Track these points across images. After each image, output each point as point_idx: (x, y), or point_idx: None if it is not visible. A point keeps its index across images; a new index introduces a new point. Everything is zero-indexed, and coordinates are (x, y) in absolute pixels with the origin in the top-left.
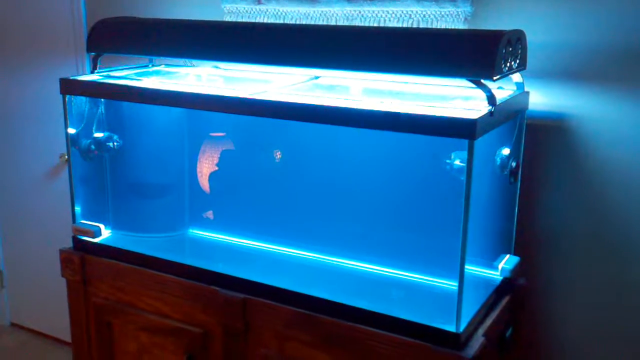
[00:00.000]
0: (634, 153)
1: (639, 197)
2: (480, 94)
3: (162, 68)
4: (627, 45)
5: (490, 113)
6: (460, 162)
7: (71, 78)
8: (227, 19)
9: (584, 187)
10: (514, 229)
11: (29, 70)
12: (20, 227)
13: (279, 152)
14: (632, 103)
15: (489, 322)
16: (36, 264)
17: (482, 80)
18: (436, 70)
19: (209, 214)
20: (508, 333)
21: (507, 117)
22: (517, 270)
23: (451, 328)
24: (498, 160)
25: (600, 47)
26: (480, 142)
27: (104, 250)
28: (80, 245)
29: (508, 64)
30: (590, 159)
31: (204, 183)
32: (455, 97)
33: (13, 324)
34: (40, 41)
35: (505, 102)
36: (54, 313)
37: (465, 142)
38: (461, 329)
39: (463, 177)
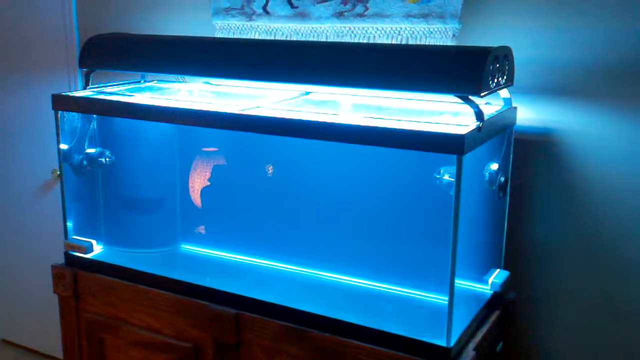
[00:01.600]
0: (620, 167)
1: (627, 210)
2: (469, 110)
3: (154, 84)
4: (612, 61)
5: (478, 128)
6: (449, 177)
7: (63, 94)
8: (219, 35)
9: (572, 201)
10: (504, 243)
11: (21, 86)
12: (11, 243)
13: (271, 167)
14: (618, 118)
15: (479, 336)
16: (27, 279)
17: (470, 96)
18: (424, 86)
19: (201, 229)
20: (498, 347)
21: (495, 133)
22: (507, 285)
23: (441, 342)
24: (487, 175)
25: (586, 63)
26: (468, 157)
27: (95, 266)
28: (72, 261)
29: (495, 80)
30: (578, 173)
31: (196, 198)
32: (444, 113)
33: (4, 341)
34: (33, 57)
35: (493, 117)
36: (45, 329)
37: (454, 157)
38: (452, 343)
39: (452, 192)
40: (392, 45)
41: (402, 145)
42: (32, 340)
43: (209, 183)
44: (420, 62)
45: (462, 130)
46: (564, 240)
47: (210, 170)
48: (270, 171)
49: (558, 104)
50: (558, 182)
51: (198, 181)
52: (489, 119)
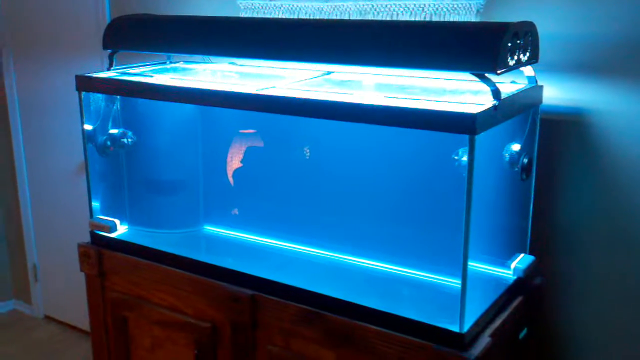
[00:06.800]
0: None
1: None
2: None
3: (179, 65)
4: None
5: (494, 108)
6: (467, 158)
7: (86, 75)
8: (243, 15)
9: (602, 184)
10: (529, 227)
11: (58, 68)
12: (53, 222)
13: (307, 150)
14: None
15: (498, 322)
16: (69, 257)
17: (487, 74)
18: (440, 63)
19: (235, 211)
20: (522, 334)
21: (516, 112)
22: (532, 270)
23: (455, 328)
24: (507, 156)
25: (619, 39)
26: (484, 138)
27: (119, 245)
28: (97, 240)
29: (516, 57)
30: (609, 155)
31: (230, 180)
32: (465, 92)
33: (47, 317)
34: (68, 39)
35: (513, 96)
36: (86, 306)
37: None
38: (465, 329)
39: (465, 174)
40: (408, 22)
41: (414, 125)
42: (74, 317)
43: (240, 165)
44: (436, 39)
45: (475, 109)
46: (594, 224)
47: (242, 153)
48: (307, 153)
49: (588, 82)
50: (588, 164)
51: (231, 163)
52: (507, 97)
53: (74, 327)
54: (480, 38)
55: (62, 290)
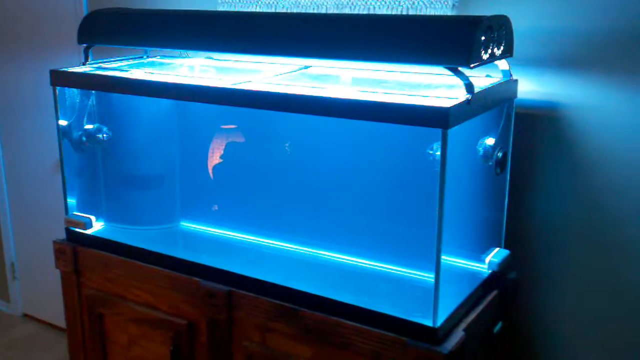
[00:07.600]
0: (629, 142)
1: (634, 188)
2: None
3: (156, 59)
4: (622, 30)
5: (467, 102)
6: (440, 152)
7: (61, 70)
8: (221, 8)
9: (578, 178)
10: (504, 221)
11: (37, 63)
12: (31, 219)
13: (288, 145)
14: (627, 91)
15: (472, 316)
16: (47, 255)
17: (460, 68)
18: (414, 57)
19: (204, 207)
20: (496, 328)
21: (490, 106)
22: (507, 264)
23: (428, 322)
24: (481, 150)
25: (595, 33)
26: (457, 132)
27: (94, 241)
28: (73, 237)
29: (489, 51)
30: (584, 149)
31: (211, 174)
32: (440, 86)
33: (25, 315)
34: (46, 34)
35: (486, 90)
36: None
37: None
38: (438, 323)
39: (437, 168)
40: (381, 16)
41: (386, 119)
42: (53, 315)
43: (220, 160)
44: (409, 33)
45: (448, 103)
46: (568, 218)
47: (221, 149)
48: (288, 149)
49: (564, 77)
50: (564, 158)
51: (211, 158)
52: (480, 91)
53: (52, 325)
54: (454, 32)
55: (40, 288)
